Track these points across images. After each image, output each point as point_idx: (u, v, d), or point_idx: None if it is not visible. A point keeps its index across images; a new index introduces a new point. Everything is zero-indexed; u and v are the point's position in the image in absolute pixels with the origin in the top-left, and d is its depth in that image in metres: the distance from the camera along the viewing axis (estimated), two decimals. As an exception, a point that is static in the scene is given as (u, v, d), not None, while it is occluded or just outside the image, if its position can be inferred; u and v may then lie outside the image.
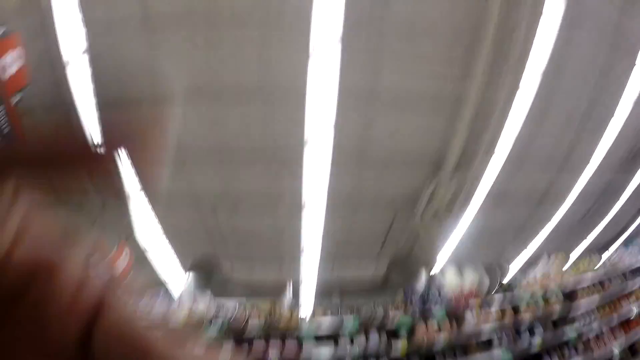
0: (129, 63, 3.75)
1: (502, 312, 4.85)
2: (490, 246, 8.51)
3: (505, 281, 5.16)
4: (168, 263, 6.70)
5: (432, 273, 5.28)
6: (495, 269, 5.73)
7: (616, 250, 7.01)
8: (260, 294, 6.60)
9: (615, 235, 8.61)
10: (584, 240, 7.81)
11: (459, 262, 5.27)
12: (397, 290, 5.51)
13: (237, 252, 7.42)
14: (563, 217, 7.51)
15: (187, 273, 7.06)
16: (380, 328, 4.42)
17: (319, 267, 6.99)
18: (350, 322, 4.46)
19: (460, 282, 5.05)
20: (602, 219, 8.24)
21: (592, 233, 8.16)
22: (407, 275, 6.48)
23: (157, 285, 6.63)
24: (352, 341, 4.33)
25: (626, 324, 5.72)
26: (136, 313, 0.22)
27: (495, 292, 5.06)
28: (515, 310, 4.99)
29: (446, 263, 5.38)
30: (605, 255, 6.62)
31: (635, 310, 5.85)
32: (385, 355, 4.25)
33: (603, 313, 5.60)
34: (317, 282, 7.41)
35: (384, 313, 4.56)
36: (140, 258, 5.66)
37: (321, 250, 6.48)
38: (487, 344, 4.56)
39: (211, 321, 4.36)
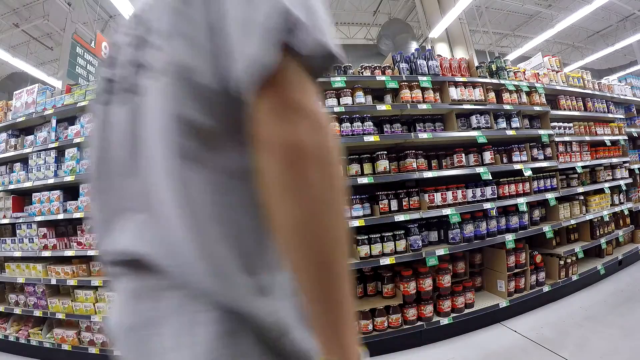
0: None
1: (486, 94, 4.72)
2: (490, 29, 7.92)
3: (494, 67, 4.88)
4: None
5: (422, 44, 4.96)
6: (486, 53, 5.52)
7: (608, 78, 6.77)
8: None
9: (612, 68, 8.32)
10: (583, 60, 7.49)
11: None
12: (386, 55, 5.19)
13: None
14: (570, 27, 6.79)
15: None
16: (366, 89, 4.28)
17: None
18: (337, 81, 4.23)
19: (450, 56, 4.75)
20: (609, 46, 7.75)
21: (593, 55, 7.81)
22: (397, 42, 6.19)
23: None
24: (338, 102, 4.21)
25: (595, 149, 5.81)
26: None
27: (481, 75, 4.85)
28: (498, 96, 4.88)
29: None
30: (597, 78, 6.39)
31: (607, 139, 5.90)
32: (368, 115, 4.20)
33: (577, 129, 5.60)
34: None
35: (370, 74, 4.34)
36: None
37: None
38: (466, 120, 4.54)
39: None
